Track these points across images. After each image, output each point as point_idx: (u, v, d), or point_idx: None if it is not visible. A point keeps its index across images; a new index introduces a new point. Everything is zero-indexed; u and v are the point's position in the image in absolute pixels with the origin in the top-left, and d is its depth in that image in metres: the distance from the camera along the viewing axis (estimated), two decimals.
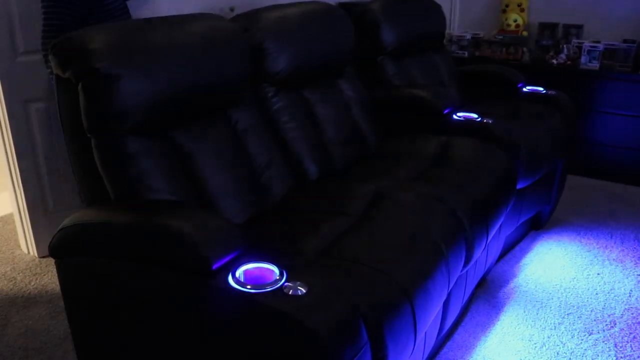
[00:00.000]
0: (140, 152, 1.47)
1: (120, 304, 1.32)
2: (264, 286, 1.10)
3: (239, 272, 1.15)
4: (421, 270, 1.37)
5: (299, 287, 1.09)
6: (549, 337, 2.09)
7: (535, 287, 2.41)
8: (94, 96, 1.40)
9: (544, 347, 2.04)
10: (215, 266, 1.14)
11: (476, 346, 2.05)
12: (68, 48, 1.40)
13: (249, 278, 1.15)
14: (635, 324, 2.16)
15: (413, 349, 1.32)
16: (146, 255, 1.22)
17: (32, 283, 2.38)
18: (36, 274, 2.45)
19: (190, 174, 1.57)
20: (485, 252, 2.03)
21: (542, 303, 2.30)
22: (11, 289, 2.34)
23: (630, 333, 2.11)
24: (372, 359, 1.14)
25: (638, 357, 1.98)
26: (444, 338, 2.06)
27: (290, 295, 1.08)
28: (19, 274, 2.45)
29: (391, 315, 1.20)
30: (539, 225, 2.87)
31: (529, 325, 2.16)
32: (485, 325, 2.17)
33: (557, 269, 2.55)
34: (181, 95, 1.56)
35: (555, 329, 2.14)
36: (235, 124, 1.76)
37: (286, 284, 1.11)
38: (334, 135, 2.07)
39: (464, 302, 1.98)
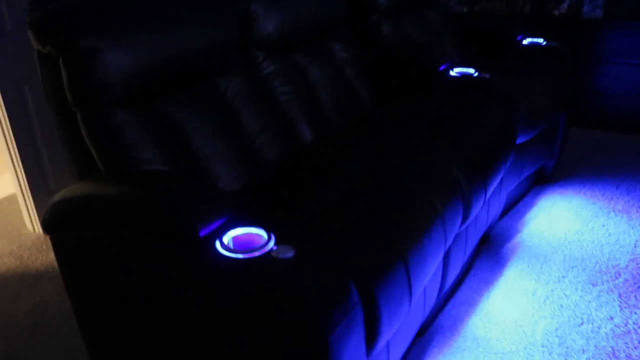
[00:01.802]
0: (128, 123, 1.46)
1: (115, 277, 1.32)
2: (251, 251, 1.09)
3: (227, 238, 1.14)
4: (415, 229, 1.36)
5: (287, 251, 1.09)
6: (552, 291, 2.09)
7: (539, 241, 2.40)
8: (76, 70, 1.39)
9: (547, 301, 2.04)
10: (202, 233, 1.14)
11: (479, 302, 2.05)
12: (46, 23, 1.38)
13: (238, 244, 1.14)
14: None
15: (409, 308, 1.32)
16: (135, 225, 1.22)
17: (39, 260, 2.41)
18: (42, 251, 2.48)
19: (181, 144, 1.56)
20: (485, 209, 2.02)
21: (546, 257, 2.29)
22: (18, 267, 2.37)
23: (635, 283, 2.10)
24: (365, 320, 1.13)
25: None
26: (447, 295, 2.07)
27: (277, 259, 1.07)
28: (25, 251, 2.48)
29: (384, 276, 1.19)
30: (543, 179, 2.84)
31: (533, 280, 2.15)
32: (489, 281, 2.17)
33: (562, 222, 2.53)
34: (166, 64, 1.54)
35: (559, 282, 2.14)
36: (224, 90, 1.73)
37: (274, 247, 1.10)
38: (328, 98, 2.05)
39: (466, 259, 1.98)
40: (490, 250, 2.36)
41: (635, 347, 1.80)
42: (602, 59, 3.39)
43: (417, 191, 1.47)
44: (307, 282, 1.03)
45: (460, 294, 2.11)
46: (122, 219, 1.24)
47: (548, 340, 1.85)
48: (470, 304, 2.05)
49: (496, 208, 2.17)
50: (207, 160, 1.58)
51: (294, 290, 1.01)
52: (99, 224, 1.29)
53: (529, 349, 1.82)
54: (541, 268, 2.22)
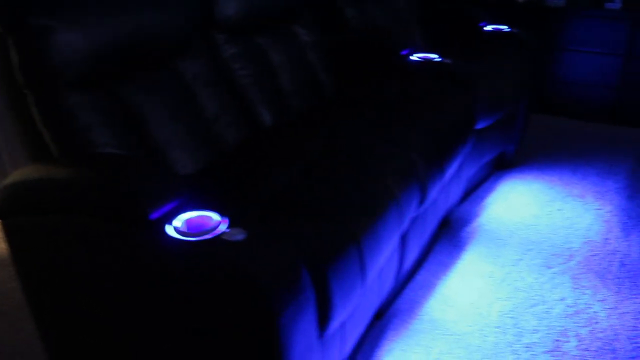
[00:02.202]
0: (82, 106, 1.43)
1: (66, 263, 1.31)
2: (202, 234, 1.09)
3: (179, 221, 1.14)
4: (369, 212, 1.37)
5: (238, 234, 1.09)
6: (508, 273, 2.14)
7: (498, 225, 2.45)
8: (27, 51, 1.36)
9: (503, 283, 2.09)
10: (153, 216, 1.13)
11: (437, 285, 2.09)
12: None
13: (190, 227, 1.14)
14: (591, 256, 2.21)
15: (363, 290, 1.33)
16: (85, 209, 1.21)
17: None
18: None
19: (137, 127, 1.54)
20: (444, 193, 2.05)
21: (503, 241, 2.34)
22: None
23: (587, 265, 2.16)
24: (316, 302, 1.15)
25: (592, 287, 2.04)
26: (406, 278, 2.10)
27: (228, 241, 1.07)
28: None
29: (336, 258, 1.20)
30: (503, 165, 2.89)
31: (490, 263, 2.20)
32: (447, 264, 2.21)
33: (520, 207, 2.59)
34: (122, 45, 1.51)
35: (515, 265, 2.19)
36: (183, 73, 1.71)
37: (226, 230, 1.11)
38: (289, 82, 2.04)
39: (425, 242, 2.01)
40: (450, 235, 2.40)
41: (584, 326, 1.86)
42: (565, 46, 3.45)
43: (372, 174, 1.49)
44: (256, 264, 1.03)
45: (419, 278, 2.14)
46: (72, 202, 1.23)
47: (503, 321, 1.90)
48: (428, 287, 2.08)
49: (455, 192, 2.21)
50: (164, 143, 1.57)
51: (243, 272, 1.02)
52: (50, 208, 1.27)
53: (484, 329, 1.87)
54: (498, 251, 2.27)
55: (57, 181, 1.26)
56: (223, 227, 1.12)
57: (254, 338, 1.07)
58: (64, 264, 1.32)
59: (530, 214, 2.52)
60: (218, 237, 1.09)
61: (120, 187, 1.17)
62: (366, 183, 1.45)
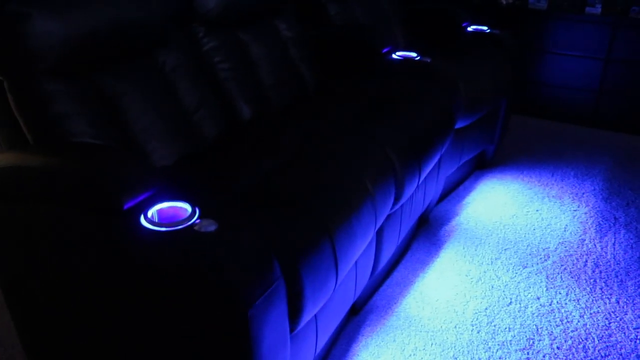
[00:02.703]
0: (58, 94, 1.42)
1: (41, 252, 1.29)
2: (174, 224, 1.09)
3: (152, 212, 1.14)
4: (344, 207, 1.38)
5: (209, 225, 1.09)
6: (485, 272, 2.16)
7: (476, 224, 2.47)
8: (2, 37, 1.34)
9: (479, 282, 2.10)
10: (126, 206, 1.13)
11: (414, 282, 2.10)
12: None
13: (163, 217, 1.14)
14: (567, 257, 2.24)
15: (335, 285, 1.34)
16: (59, 198, 1.20)
17: None
18: None
19: (114, 116, 1.53)
20: (422, 190, 2.06)
21: (481, 240, 2.36)
22: None
23: (562, 265, 2.19)
24: (287, 295, 1.15)
25: (566, 286, 2.06)
26: (383, 275, 2.11)
27: (199, 232, 1.07)
28: None
29: (308, 252, 1.21)
30: (483, 164, 2.91)
31: (467, 262, 2.22)
32: (425, 262, 2.22)
33: (498, 206, 2.61)
34: (99, 35, 1.50)
35: (491, 264, 2.21)
36: (162, 65, 1.70)
37: (197, 221, 1.10)
38: (269, 76, 2.04)
39: (402, 239, 2.01)
40: (428, 233, 2.41)
41: (557, 325, 1.88)
42: (546, 49, 3.49)
43: (348, 170, 1.49)
44: (226, 256, 1.03)
45: (397, 274, 2.15)
46: (45, 191, 1.22)
47: (477, 319, 1.92)
48: (405, 284, 2.09)
49: (433, 191, 2.22)
50: (140, 134, 1.56)
51: (212, 263, 1.02)
52: (22, 196, 1.26)
53: (459, 327, 1.88)
54: (476, 250, 2.29)
55: (30, 169, 1.25)
56: (195, 218, 1.11)
57: (223, 331, 1.07)
58: (38, 253, 1.31)
59: (509, 214, 2.54)
60: (189, 228, 1.08)
61: (95, 177, 1.16)
62: (341, 178, 1.45)
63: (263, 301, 1.05)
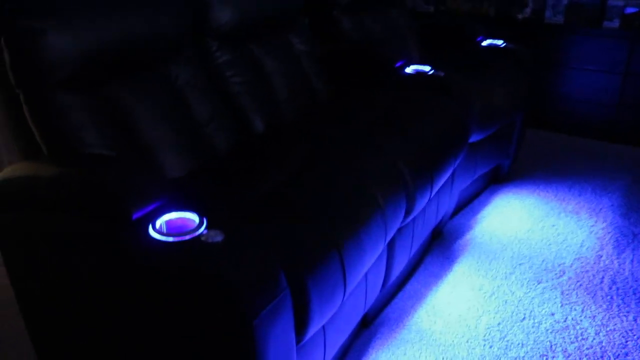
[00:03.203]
0: (72, 106, 1.45)
1: (52, 260, 1.32)
2: (181, 234, 1.10)
3: (160, 222, 1.15)
4: (353, 220, 1.38)
5: (216, 235, 1.10)
6: (499, 287, 2.13)
7: (490, 239, 2.45)
8: (18, 52, 1.37)
9: (493, 296, 2.08)
10: (135, 216, 1.14)
11: (427, 296, 2.09)
12: None
13: (170, 227, 1.15)
14: (583, 273, 2.20)
15: (343, 297, 1.33)
16: (69, 207, 1.22)
17: None
18: None
19: (126, 128, 1.55)
20: (435, 204, 2.05)
21: (495, 254, 2.34)
22: None
23: (577, 281, 2.15)
24: (294, 306, 1.15)
25: (582, 303, 2.03)
26: (395, 288, 2.10)
27: (206, 243, 1.08)
28: None
29: (316, 264, 1.21)
30: (498, 178, 2.89)
31: (481, 276, 2.20)
32: (438, 275, 2.21)
33: (514, 221, 2.58)
34: (112, 48, 1.53)
35: (506, 278, 2.18)
36: (175, 78, 1.73)
37: (204, 232, 1.11)
38: (282, 90, 2.05)
39: (414, 253, 2.01)
40: (442, 246, 2.40)
41: (571, 342, 1.85)
42: (563, 63, 3.47)
43: (358, 183, 1.49)
44: (231, 266, 1.04)
45: (409, 287, 2.14)
46: (57, 200, 1.24)
47: (490, 334, 1.89)
48: (418, 298, 2.08)
49: (447, 204, 2.21)
50: (152, 146, 1.58)
51: (218, 274, 1.02)
52: (36, 205, 1.29)
53: (471, 342, 1.86)
54: (490, 265, 2.27)
55: (42, 179, 1.27)
56: (202, 229, 1.12)
57: (228, 341, 1.07)
58: (49, 262, 1.33)
59: (524, 229, 2.52)
60: (196, 239, 1.10)
61: (104, 187, 1.18)
62: (351, 191, 1.46)
63: (268, 312, 1.05)
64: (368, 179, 1.53)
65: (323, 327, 1.38)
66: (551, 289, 2.11)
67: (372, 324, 1.94)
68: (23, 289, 1.45)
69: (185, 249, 1.08)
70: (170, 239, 1.10)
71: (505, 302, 2.05)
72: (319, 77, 2.24)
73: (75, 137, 1.43)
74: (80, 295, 1.31)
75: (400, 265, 1.86)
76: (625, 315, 1.97)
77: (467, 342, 1.86)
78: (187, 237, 1.10)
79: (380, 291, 1.83)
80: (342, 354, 1.79)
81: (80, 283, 1.29)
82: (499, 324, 1.94)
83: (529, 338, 1.87)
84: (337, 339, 1.51)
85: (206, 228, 1.13)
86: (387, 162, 1.65)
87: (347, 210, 1.39)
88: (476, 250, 2.36)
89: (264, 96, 1.98)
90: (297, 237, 1.24)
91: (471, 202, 2.75)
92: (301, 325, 1.19)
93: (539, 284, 2.15)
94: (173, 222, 1.17)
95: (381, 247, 1.52)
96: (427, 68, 2.25)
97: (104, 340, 1.33)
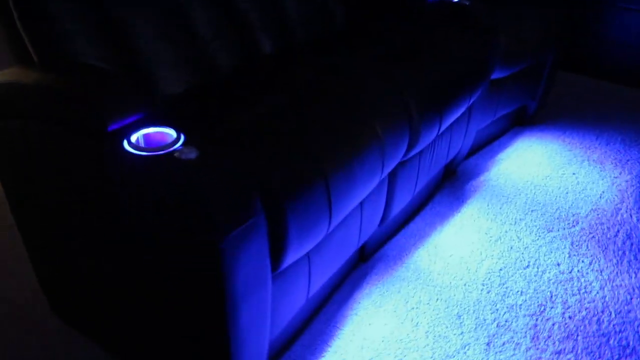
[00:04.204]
0: (63, 12, 1.38)
1: (36, 169, 1.29)
2: (155, 150, 1.05)
3: (138, 135, 1.10)
4: (346, 150, 1.31)
5: (190, 152, 1.05)
6: (506, 232, 2.06)
7: (505, 182, 2.36)
8: None
9: (498, 241, 2.01)
10: (111, 127, 1.10)
11: (430, 235, 2.04)
12: None
13: (149, 142, 1.11)
14: (597, 224, 2.11)
15: (328, 229, 1.29)
16: (50, 116, 1.18)
17: None
18: None
19: (122, 41, 1.48)
20: (447, 141, 1.96)
21: (508, 198, 2.25)
22: None
23: (590, 233, 2.07)
24: (270, 233, 1.10)
25: (591, 255, 1.95)
26: (399, 225, 2.05)
27: (178, 159, 1.03)
28: None
29: (298, 191, 1.15)
30: (523, 121, 2.76)
31: (489, 219, 2.13)
32: (445, 215, 2.14)
33: (533, 166, 2.48)
34: None
35: (515, 224, 2.11)
36: None
37: (179, 147, 1.06)
38: (297, 10, 1.93)
39: (419, 189, 1.94)
40: (454, 186, 2.32)
41: (573, 294, 1.79)
42: (613, 2, 3.21)
43: (357, 111, 1.41)
44: (200, 184, 0.99)
45: (413, 226, 2.09)
46: (37, 108, 1.20)
47: (489, 279, 1.84)
48: (421, 237, 2.03)
49: (461, 143, 2.11)
50: (149, 60, 1.51)
51: (185, 192, 0.98)
52: (18, 112, 1.25)
53: (469, 285, 1.82)
54: (500, 209, 2.19)
55: (26, 87, 1.23)
56: (177, 145, 1.07)
57: (195, 261, 1.04)
58: (33, 171, 1.31)
59: (542, 175, 2.41)
60: (169, 154, 1.05)
61: (81, 97, 1.13)
62: (348, 119, 1.38)
63: (238, 234, 1.01)
64: (369, 108, 1.45)
65: (308, 256, 1.34)
66: (561, 239, 2.03)
67: (370, 259, 1.91)
68: (15, 199, 1.45)
69: (158, 165, 1.03)
70: (144, 153, 1.05)
71: (511, 248, 1.98)
72: (338, 1, 2.10)
73: (64, 45, 1.37)
74: (63, 205, 1.29)
75: (402, 200, 1.80)
76: (635, 272, 1.89)
77: (465, 285, 1.82)
78: (160, 153, 1.05)
79: (380, 226, 1.78)
80: (336, 285, 1.77)
81: (62, 192, 1.27)
82: (500, 269, 1.88)
83: (529, 286, 1.82)
84: (325, 270, 1.48)
85: (182, 145, 1.08)
86: (394, 93, 1.56)
87: (340, 138, 1.31)
88: (488, 193, 2.28)
89: (275, 15, 1.86)
90: (281, 161, 1.18)
91: (491, 142, 2.64)
92: (277, 253, 1.15)
93: (549, 232, 2.07)
94: (151, 136, 1.12)
95: (377, 180, 1.45)
96: None
97: (84, 250, 1.32)
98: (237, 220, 1.01)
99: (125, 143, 1.07)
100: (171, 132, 1.11)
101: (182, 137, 1.09)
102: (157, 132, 1.13)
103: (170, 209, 1.01)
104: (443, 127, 1.74)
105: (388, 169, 1.50)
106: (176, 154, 1.05)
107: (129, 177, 1.07)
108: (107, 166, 1.10)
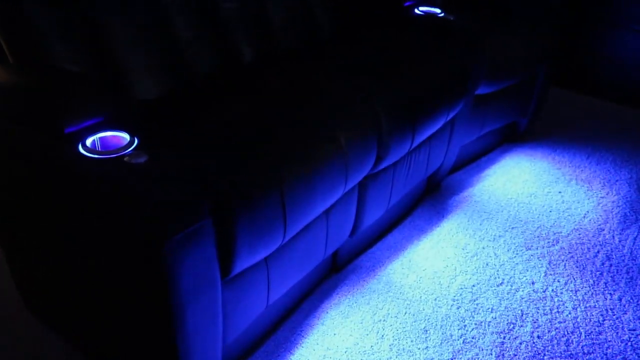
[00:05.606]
0: (40, 14, 1.41)
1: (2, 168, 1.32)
2: (105, 153, 1.08)
3: (94, 139, 1.13)
4: (305, 160, 1.32)
5: (140, 156, 1.07)
6: (483, 248, 2.06)
7: (489, 198, 2.35)
8: None
9: (474, 257, 2.01)
10: (68, 130, 1.12)
11: (406, 248, 2.04)
12: None
13: (104, 145, 1.13)
14: (578, 244, 2.09)
15: (283, 239, 1.29)
16: (11, 115, 1.21)
17: None
18: None
19: (99, 44, 1.51)
20: (425, 155, 1.96)
21: (489, 214, 2.24)
22: None
23: (569, 252, 2.05)
24: (217, 240, 1.12)
25: (567, 275, 1.94)
26: (375, 237, 2.05)
27: (128, 163, 1.05)
28: None
29: (250, 199, 1.16)
30: (513, 137, 2.75)
31: (468, 235, 2.12)
32: (423, 230, 2.14)
33: (519, 183, 2.47)
34: None
35: (493, 240, 2.10)
36: None
37: (130, 152, 1.08)
38: (279, 17, 1.95)
39: (394, 202, 1.94)
40: (436, 201, 2.32)
41: (544, 314, 1.77)
42: (607, 19, 3.19)
43: (322, 122, 1.42)
44: (145, 187, 1.01)
45: (390, 238, 2.09)
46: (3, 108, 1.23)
47: (461, 294, 1.84)
48: (396, 250, 2.03)
49: (441, 157, 2.11)
50: (126, 64, 1.54)
51: (130, 195, 1.00)
52: None
53: (439, 300, 1.81)
54: (480, 224, 2.18)
55: None
56: (129, 150, 1.09)
57: (140, 265, 1.06)
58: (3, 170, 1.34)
59: (527, 192, 2.40)
60: (119, 158, 1.07)
61: (42, 99, 1.15)
62: (311, 129, 1.39)
63: (182, 238, 1.02)
64: (335, 119, 1.46)
65: (266, 262, 1.35)
66: (539, 257, 2.02)
67: (343, 270, 1.92)
68: None
69: (106, 167, 1.05)
70: (96, 156, 1.07)
71: (487, 264, 1.98)
72: (324, 10, 2.12)
73: (40, 48, 1.40)
74: (31, 209, 1.32)
75: (374, 212, 1.81)
76: (610, 294, 1.87)
77: (435, 299, 1.81)
78: (111, 156, 1.07)
79: (351, 237, 1.79)
80: (305, 294, 1.78)
81: (29, 196, 1.29)
82: (473, 285, 1.88)
83: (500, 304, 1.81)
84: (287, 277, 1.49)
85: (133, 149, 1.10)
86: (363, 103, 1.57)
87: (300, 148, 1.32)
88: (470, 209, 2.27)
89: (257, 22, 1.88)
90: (236, 168, 1.20)
91: (478, 158, 2.63)
92: (226, 258, 1.16)
93: (527, 250, 2.06)
94: (108, 140, 1.15)
95: (340, 191, 1.46)
96: (437, 10, 2.11)
97: (56, 258, 1.34)
98: (182, 223, 1.02)
99: (79, 146, 1.10)
100: (125, 136, 1.13)
101: (136, 141, 1.12)
102: (114, 136, 1.15)
103: (115, 211, 1.03)
104: (417, 141, 1.74)
105: (353, 181, 1.51)
106: (126, 158, 1.07)
107: (80, 179, 1.09)
108: (61, 168, 1.12)
